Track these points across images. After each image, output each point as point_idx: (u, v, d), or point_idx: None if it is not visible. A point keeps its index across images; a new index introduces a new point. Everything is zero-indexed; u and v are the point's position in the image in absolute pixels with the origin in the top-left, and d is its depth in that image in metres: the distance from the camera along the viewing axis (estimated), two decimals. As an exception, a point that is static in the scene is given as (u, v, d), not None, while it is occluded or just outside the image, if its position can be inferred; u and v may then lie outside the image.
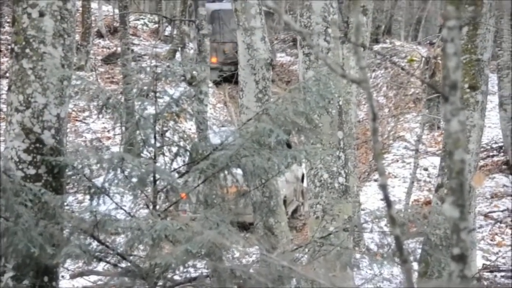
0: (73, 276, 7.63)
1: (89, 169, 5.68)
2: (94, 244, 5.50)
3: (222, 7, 25.77)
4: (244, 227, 10.69)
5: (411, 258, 6.66)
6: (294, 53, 29.90)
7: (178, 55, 26.03)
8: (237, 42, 10.36)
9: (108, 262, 5.69)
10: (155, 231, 4.99)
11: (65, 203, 5.67)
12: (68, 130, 6.40)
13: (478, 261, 12.29)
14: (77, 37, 23.22)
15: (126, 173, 5.49)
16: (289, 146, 6.12)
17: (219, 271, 5.09)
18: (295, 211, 16.65)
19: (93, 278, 6.96)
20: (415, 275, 8.94)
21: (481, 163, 18.00)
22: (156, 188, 5.64)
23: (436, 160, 16.11)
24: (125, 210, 5.76)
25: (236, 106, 20.35)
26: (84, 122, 19.90)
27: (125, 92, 7.05)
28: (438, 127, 21.58)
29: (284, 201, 14.92)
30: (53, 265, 5.48)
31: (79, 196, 7.64)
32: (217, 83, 26.09)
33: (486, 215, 15.40)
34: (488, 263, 12.86)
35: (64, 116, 6.01)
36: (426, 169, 18.73)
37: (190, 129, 16.42)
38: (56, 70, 5.81)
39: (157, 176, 5.60)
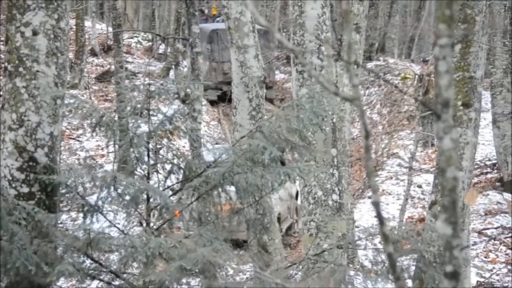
0: (66, 295, 7.60)
1: (82, 187, 5.68)
2: (88, 262, 5.48)
3: (220, 27, 25.86)
4: (238, 244, 10.66)
5: (405, 275, 6.65)
6: (288, 71, 29.93)
7: (172, 73, 26.06)
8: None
9: (101, 280, 5.67)
10: (149, 249, 4.98)
11: (59, 221, 5.66)
12: (61, 148, 6.40)
13: (473, 278, 12.26)
14: (71, 55, 23.25)
15: (119, 191, 5.48)
16: (283, 163, 6.12)
17: (213, 288, 5.08)
18: (289, 228, 16.62)
19: (87, 296, 6.93)
20: (409, 293, 8.93)
21: (475, 180, 18.00)
22: (149, 206, 5.64)
23: (430, 177, 16.11)
24: (118, 228, 5.75)
25: (229, 123, 20.36)
26: (78, 140, 19.88)
27: (119, 110, 7.06)
28: (432, 144, 21.59)
29: (278, 218, 14.90)
30: (46, 283, 5.46)
31: (73, 214, 7.63)
32: (211, 102, 26.11)
33: (480, 232, 15.38)
34: (482, 280, 12.84)
35: (57, 135, 6.01)
36: (420, 186, 18.73)
37: (183, 146, 16.43)
38: (50, 89, 5.81)
39: (150, 194, 5.60)
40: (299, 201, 12.49)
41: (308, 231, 8.54)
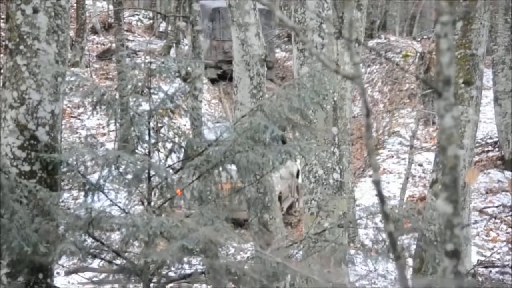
0: (68, 273, 7.63)
1: (83, 166, 5.68)
2: (89, 240, 5.50)
3: (223, 5, 25.84)
4: (239, 223, 10.69)
5: (406, 254, 6.66)
6: (289, 49, 29.87)
7: (172, 51, 26.00)
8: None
9: (103, 259, 5.69)
10: (150, 228, 4.99)
11: (60, 200, 5.66)
12: (62, 126, 6.39)
13: (473, 256, 12.29)
14: (71, 33, 23.19)
15: (121, 169, 5.48)
16: (284, 142, 6.12)
17: (214, 267, 5.09)
18: (290, 207, 16.64)
19: (88, 274, 6.94)
20: (409, 271, 8.96)
21: (476, 158, 18.00)
22: (150, 185, 5.64)
23: (431, 156, 16.12)
24: (119, 207, 5.76)
25: (230, 102, 20.34)
26: (79, 119, 19.88)
27: (120, 88, 7.06)
28: (433, 123, 21.57)
29: (279, 197, 14.92)
30: (48, 262, 5.47)
31: (74, 193, 7.64)
32: (212, 80, 26.07)
33: (481, 211, 15.40)
34: (483, 258, 12.87)
35: (58, 113, 6.00)
36: (421, 165, 18.73)
37: (184, 125, 16.42)
38: (50, 67, 5.80)
39: (152, 172, 5.60)
40: (300, 180, 12.51)
41: (309, 210, 8.55)
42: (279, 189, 14.77)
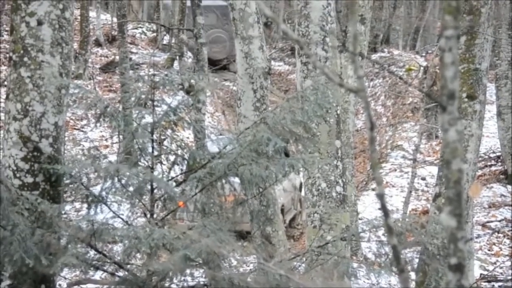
0: (70, 285, 7.62)
1: (86, 178, 5.68)
2: (91, 253, 5.49)
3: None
4: (242, 235, 10.67)
5: (409, 267, 6.65)
6: (292, 62, 29.92)
7: (176, 63, 26.03)
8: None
9: (105, 271, 5.69)
10: (152, 240, 4.98)
11: (63, 212, 5.66)
12: (66, 138, 6.40)
13: (476, 271, 12.27)
14: (75, 45, 23.23)
15: (123, 182, 5.49)
16: (287, 155, 6.12)
17: (216, 279, 5.08)
18: (292, 219, 16.62)
19: (91, 286, 6.94)
20: (412, 285, 8.93)
21: (479, 172, 17.99)
22: (153, 197, 5.64)
23: (434, 170, 16.10)
24: (122, 219, 5.76)
25: (233, 115, 20.36)
26: (82, 131, 19.89)
27: (123, 100, 7.07)
28: (436, 137, 21.58)
29: (282, 210, 14.92)
30: (50, 274, 5.47)
31: (77, 205, 7.66)
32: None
33: (483, 225, 15.38)
34: (485, 273, 12.84)
35: (62, 125, 6.01)
36: (424, 179, 18.72)
37: (188, 137, 16.43)
38: (54, 79, 5.81)
39: (155, 185, 5.60)
40: (303, 193, 12.50)
41: (311, 223, 8.54)
42: (281, 201, 14.77)
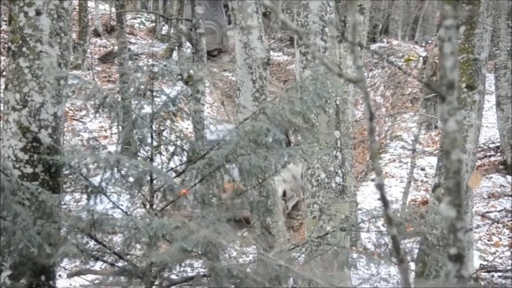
0: (70, 275, 7.63)
1: (86, 168, 5.68)
2: (91, 243, 5.49)
3: None
4: (247, 221, 10.67)
5: (408, 257, 6.66)
6: (291, 52, 29.91)
7: (175, 54, 26.01)
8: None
9: (105, 261, 5.69)
10: (151, 229, 4.98)
11: (62, 202, 5.66)
12: (65, 129, 6.40)
13: (475, 261, 12.28)
14: (74, 36, 23.21)
15: (123, 172, 5.48)
16: (289, 143, 6.12)
17: (216, 270, 5.08)
18: (295, 205, 16.64)
19: (90, 277, 6.95)
20: (412, 275, 8.94)
21: (478, 163, 18.00)
22: (152, 188, 5.64)
23: (433, 160, 16.12)
24: (122, 209, 5.76)
25: (232, 105, 20.35)
26: (81, 121, 19.89)
27: (122, 91, 7.05)
28: (435, 127, 21.59)
29: (284, 195, 14.96)
30: (50, 264, 5.47)
31: (76, 195, 7.66)
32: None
33: (483, 215, 15.39)
34: (485, 263, 12.86)
35: (61, 115, 6.00)
36: (423, 169, 18.73)
37: (187, 128, 16.43)
38: (53, 69, 5.80)
39: (154, 175, 5.60)
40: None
41: (311, 213, 8.54)
42: (283, 187, 14.82)
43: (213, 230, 5.10)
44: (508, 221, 15.03)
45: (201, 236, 4.85)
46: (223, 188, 5.84)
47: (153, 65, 5.82)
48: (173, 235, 5.07)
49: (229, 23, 30.57)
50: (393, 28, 36.17)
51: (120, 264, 5.60)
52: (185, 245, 4.84)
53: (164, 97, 5.82)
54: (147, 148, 5.76)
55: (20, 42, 5.86)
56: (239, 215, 6.05)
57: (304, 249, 6.12)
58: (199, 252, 5.09)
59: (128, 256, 5.56)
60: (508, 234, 14.50)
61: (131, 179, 5.52)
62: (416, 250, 8.72)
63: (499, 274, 12.49)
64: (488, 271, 12.55)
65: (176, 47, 25.41)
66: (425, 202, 15.33)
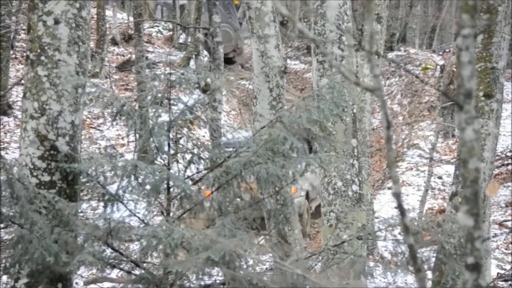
0: (87, 283, 7.65)
1: (103, 176, 5.69)
2: (108, 251, 5.50)
3: None
4: (262, 221, 10.65)
5: (425, 266, 6.64)
6: (308, 61, 29.90)
7: (192, 62, 26.05)
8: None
9: (121, 269, 5.70)
10: (172, 239, 4.98)
11: (79, 210, 5.68)
12: (82, 137, 6.42)
13: (493, 270, 12.22)
14: (92, 44, 23.29)
15: (139, 180, 5.50)
16: (310, 150, 6.11)
17: (236, 279, 5.07)
18: (318, 207, 16.62)
19: (107, 285, 6.96)
20: (429, 284, 8.91)
21: (496, 171, 17.91)
22: (170, 196, 5.65)
23: (451, 168, 16.06)
24: (139, 217, 5.77)
25: (249, 113, 20.37)
26: (99, 129, 19.96)
27: (140, 99, 7.08)
28: (453, 135, 21.52)
29: (307, 195, 15.00)
30: (67, 272, 5.49)
31: (93, 203, 7.67)
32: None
33: (500, 224, 15.33)
34: (502, 272, 12.80)
35: (78, 123, 6.03)
36: (440, 177, 18.67)
37: (203, 136, 16.45)
38: (71, 78, 5.83)
39: (171, 183, 5.60)
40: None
41: (327, 221, 8.54)
42: (305, 188, 14.88)
43: (238, 240, 5.10)
44: (526, 230, 14.95)
45: (225, 246, 4.85)
46: (250, 187, 5.83)
47: (170, 74, 5.83)
48: (192, 243, 5.07)
49: (241, 24, 30.77)
50: (410, 37, 36.11)
51: (136, 272, 5.61)
52: (212, 256, 4.84)
53: (181, 105, 5.83)
54: (164, 156, 5.77)
55: (39, 51, 5.89)
56: (256, 216, 6.05)
57: (320, 258, 6.11)
58: (221, 262, 5.09)
59: (145, 264, 5.57)
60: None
61: (148, 187, 5.53)
62: (433, 259, 8.69)
63: (517, 283, 12.42)
64: (505, 280, 12.48)
65: (194, 56, 25.47)
66: (442, 211, 15.27)
